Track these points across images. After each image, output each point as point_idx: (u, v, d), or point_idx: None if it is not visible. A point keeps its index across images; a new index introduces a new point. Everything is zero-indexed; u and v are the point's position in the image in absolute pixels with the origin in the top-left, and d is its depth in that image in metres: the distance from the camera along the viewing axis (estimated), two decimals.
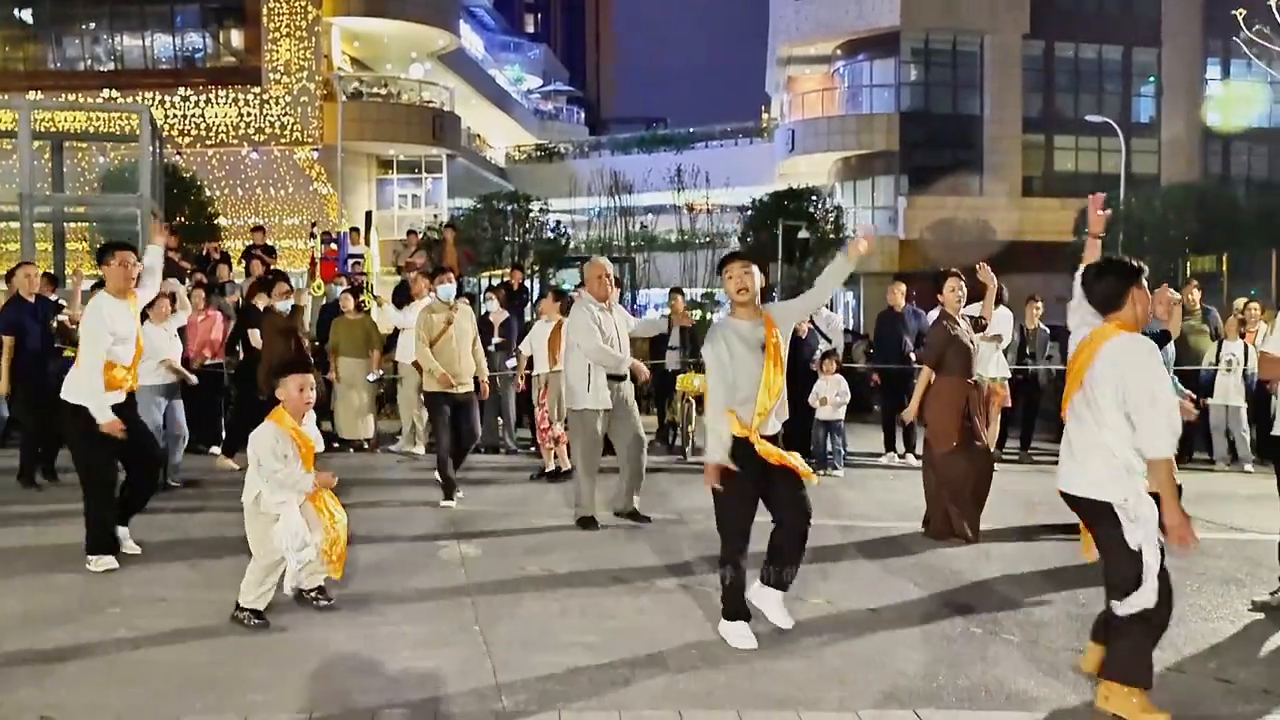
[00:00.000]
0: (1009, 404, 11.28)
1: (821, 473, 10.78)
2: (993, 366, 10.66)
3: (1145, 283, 4.42)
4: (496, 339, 12.19)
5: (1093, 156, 39.97)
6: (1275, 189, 39.25)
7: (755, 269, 5.42)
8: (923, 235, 36.13)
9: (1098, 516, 4.33)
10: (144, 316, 8.28)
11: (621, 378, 8.07)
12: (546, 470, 10.42)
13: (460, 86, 41.27)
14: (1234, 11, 14.37)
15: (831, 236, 28.48)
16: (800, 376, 11.04)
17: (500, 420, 12.52)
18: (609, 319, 8.04)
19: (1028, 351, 12.20)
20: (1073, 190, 36.83)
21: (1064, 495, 4.49)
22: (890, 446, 11.93)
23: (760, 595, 5.39)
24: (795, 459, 5.23)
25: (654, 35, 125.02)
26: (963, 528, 7.61)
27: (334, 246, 18.20)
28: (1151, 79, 41.36)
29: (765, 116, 49.08)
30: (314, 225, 21.57)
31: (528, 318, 13.84)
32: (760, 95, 51.15)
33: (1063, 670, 4.88)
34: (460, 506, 8.71)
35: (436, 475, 9.02)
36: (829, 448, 10.94)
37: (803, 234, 23.12)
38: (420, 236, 19.86)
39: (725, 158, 43.11)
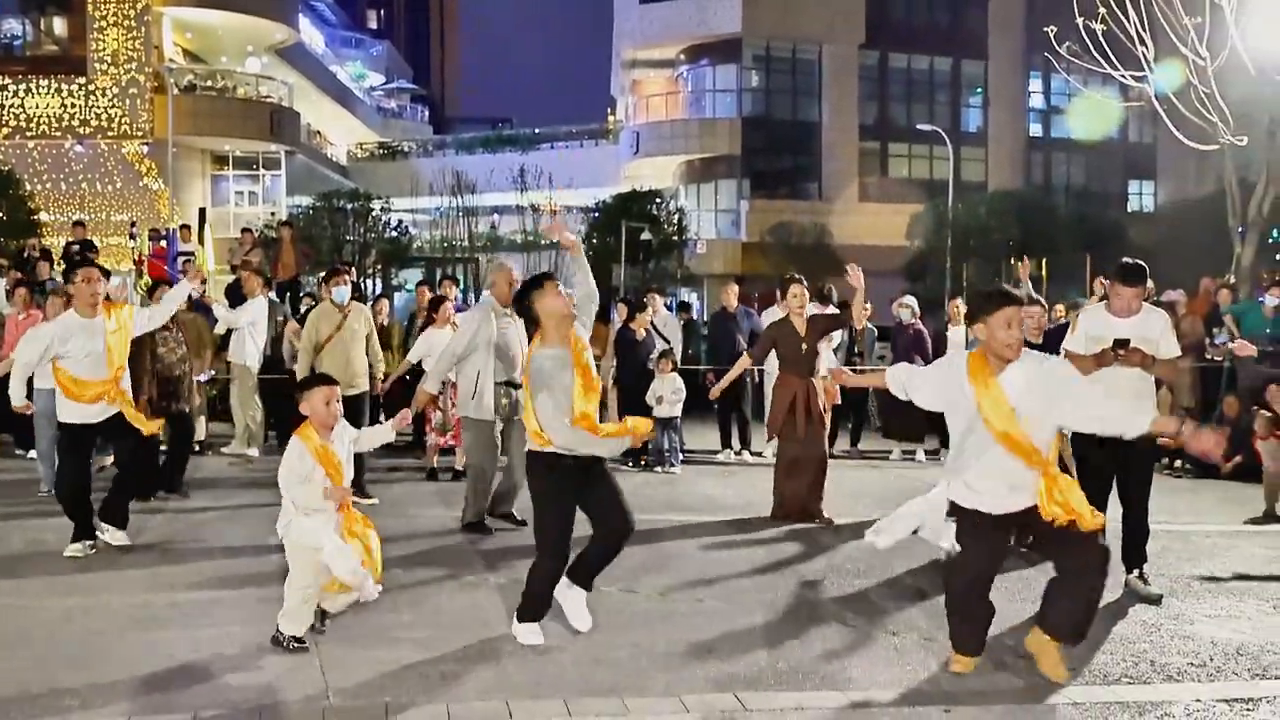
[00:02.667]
0: (838, 401, 11.67)
1: (659, 469, 11.04)
2: (821, 366, 11.02)
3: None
4: None
5: (925, 163, 41.46)
6: (1093, 196, 41.48)
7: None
8: (763, 238, 36.97)
9: None
10: None
11: (516, 385, 7.63)
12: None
13: (299, 82, 40.31)
14: (1046, 29, 15.19)
15: (675, 239, 28.94)
16: (637, 376, 11.28)
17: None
18: (513, 326, 7.64)
19: (856, 351, 12.65)
20: (906, 196, 38.24)
21: None
22: (726, 444, 12.22)
23: (568, 594, 5.36)
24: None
25: (499, 34, 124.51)
26: (817, 508, 8.31)
27: (163, 244, 17.62)
28: (979, 90, 43.19)
29: (611, 118, 49.39)
30: (133, 225, 20.83)
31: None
32: (606, 97, 51.48)
33: (882, 651, 5.13)
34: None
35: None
36: (666, 445, 11.16)
37: (646, 236, 23.39)
38: (256, 235, 19.38)
39: (571, 159, 43.25)
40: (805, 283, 8.68)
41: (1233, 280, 12.59)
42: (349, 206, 25.26)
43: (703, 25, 40.33)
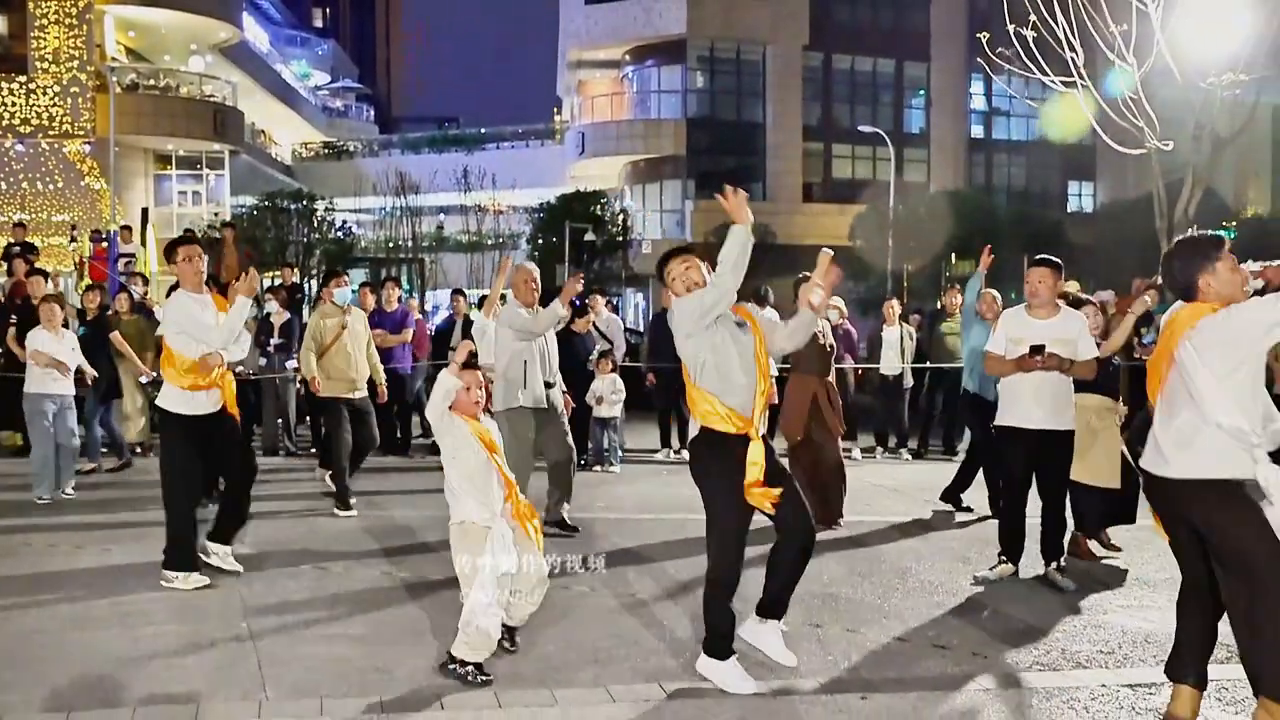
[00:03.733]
0: (775, 400, 11.87)
1: (599, 468, 11.18)
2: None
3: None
4: (277, 340, 12.08)
5: (868, 164, 41.84)
6: (1033, 196, 42.19)
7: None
8: (707, 238, 37.19)
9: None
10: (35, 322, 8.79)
11: (550, 385, 7.83)
12: None
13: (244, 81, 39.99)
14: (978, 35, 15.53)
15: (619, 239, 29.10)
16: (578, 376, 11.38)
17: (280, 422, 12.38)
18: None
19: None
20: (850, 196, 38.66)
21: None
22: (665, 443, 12.39)
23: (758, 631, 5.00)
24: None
25: (446, 34, 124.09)
26: (825, 514, 7.89)
27: (104, 245, 17.48)
28: (921, 92, 43.72)
29: (557, 119, 49.45)
30: (74, 229, 20.61)
31: (305, 317, 13.69)
32: (552, 97, 51.49)
33: (806, 643, 5.30)
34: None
35: (330, 485, 8.82)
36: (605, 444, 11.31)
37: (590, 237, 23.54)
38: (199, 235, 19.28)
39: (517, 159, 43.33)
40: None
41: (1160, 281, 12.89)
42: (293, 207, 25.13)
43: (648, 26, 40.52)
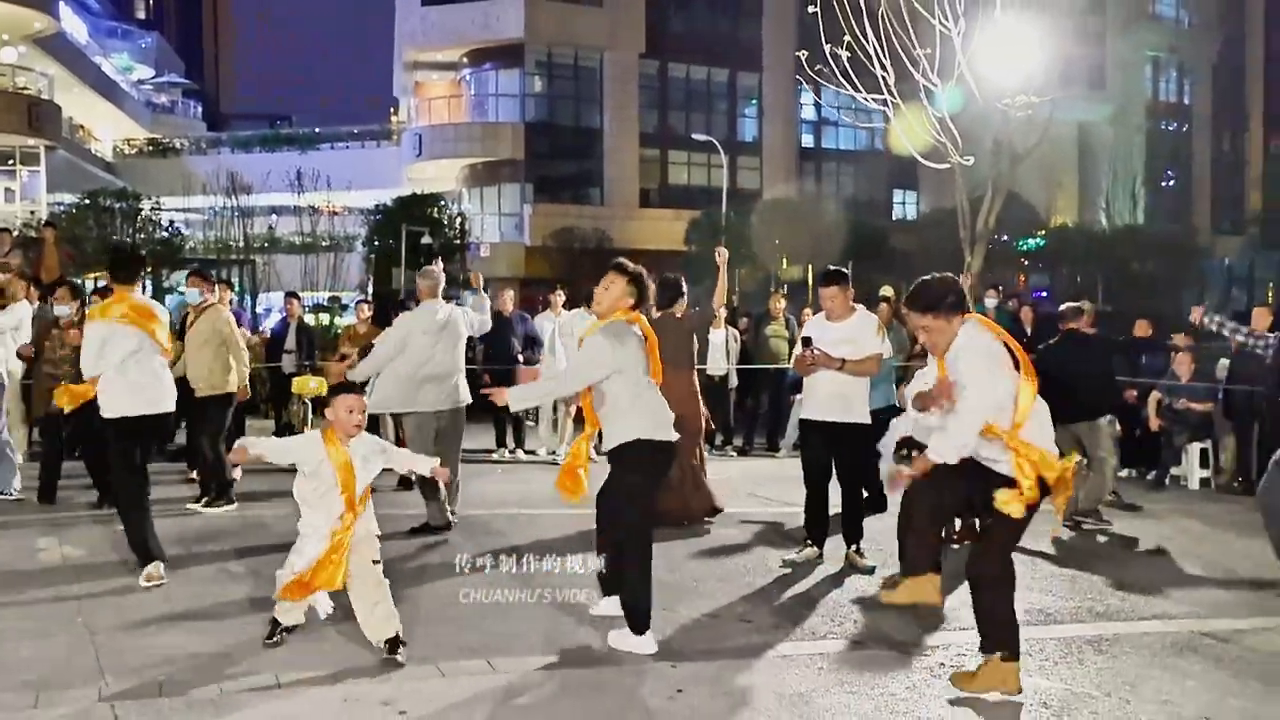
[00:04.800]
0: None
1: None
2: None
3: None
4: None
5: (703, 171, 42.76)
6: (861, 204, 43.75)
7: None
8: (544, 242, 37.57)
9: None
10: None
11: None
12: None
13: (60, 74, 38.47)
14: (798, 53, 16.36)
15: (456, 242, 29.15)
16: None
17: None
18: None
19: None
20: (686, 202, 39.54)
21: None
22: (500, 443, 12.69)
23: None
24: None
25: (278, 29, 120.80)
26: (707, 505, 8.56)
27: None
28: (754, 101, 44.95)
29: (395, 119, 48.98)
30: None
31: None
32: (389, 97, 50.96)
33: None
34: (62, 511, 8.59)
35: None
36: None
37: (427, 239, 23.57)
38: (16, 234, 18.61)
39: (353, 159, 42.77)
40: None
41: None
42: (116, 206, 24.36)
43: (485, 30, 40.57)
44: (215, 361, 9.05)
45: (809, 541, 7.26)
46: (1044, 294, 41.39)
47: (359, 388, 5.37)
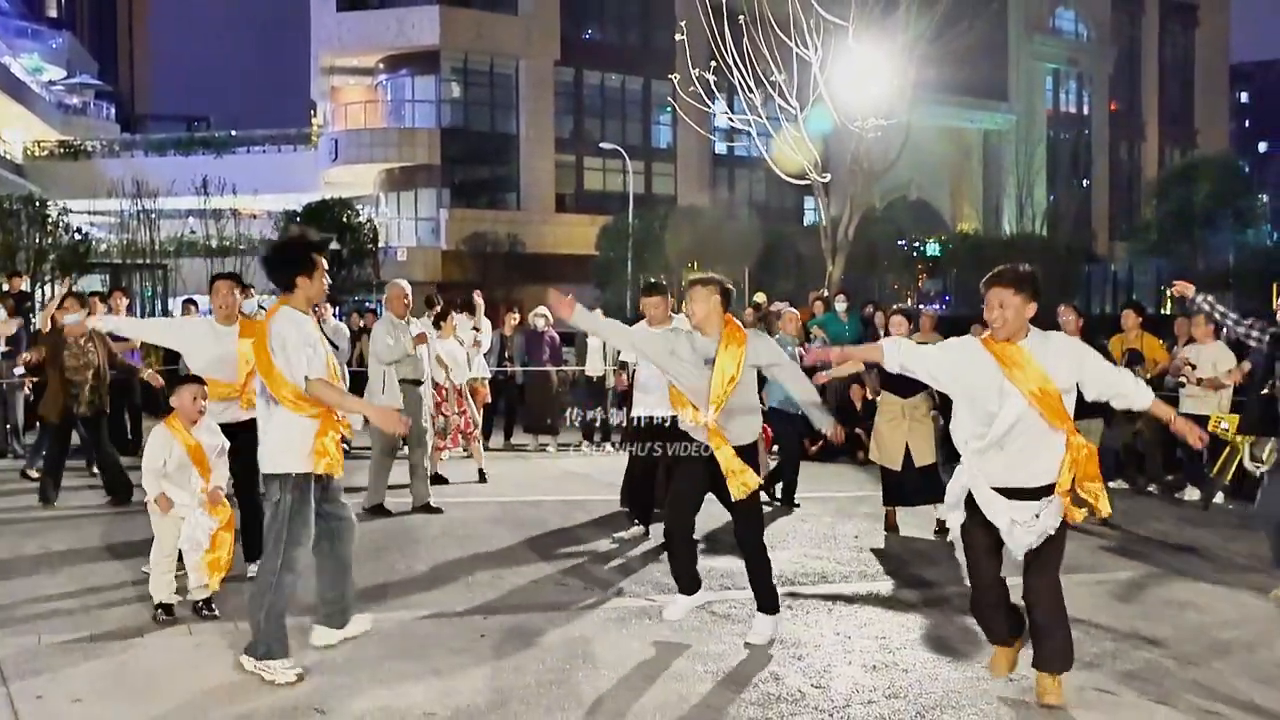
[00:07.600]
0: (489, 400, 13.15)
1: None
2: (475, 367, 12.43)
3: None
4: (3, 347, 12.46)
5: (618, 177, 43.41)
6: (772, 211, 44.59)
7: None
8: (459, 246, 38.25)
9: None
10: None
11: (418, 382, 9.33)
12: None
13: None
14: (670, 76, 17.43)
15: (369, 247, 29.86)
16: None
17: (9, 426, 12.79)
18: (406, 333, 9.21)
19: (506, 355, 14.16)
20: (600, 208, 40.47)
21: None
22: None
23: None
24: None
25: (194, 30, 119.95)
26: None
27: None
28: (668, 108, 45.89)
29: (315, 123, 49.15)
30: None
31: (34, 325, 13.99)
32: (307, 100, 51.10)
33: (451, 585, 6.58)
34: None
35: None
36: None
37: (334, 245, 24.24)
38: None
39: (269, 163, 43.06)
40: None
41: (826, 294, 15.00)
42: (21, 209, 24.54)
43: (401, 36, 41.11)
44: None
45: (635, 521, 8.27)
46: (947, 299, 43.11)
47: (200, 379, 6.22)
